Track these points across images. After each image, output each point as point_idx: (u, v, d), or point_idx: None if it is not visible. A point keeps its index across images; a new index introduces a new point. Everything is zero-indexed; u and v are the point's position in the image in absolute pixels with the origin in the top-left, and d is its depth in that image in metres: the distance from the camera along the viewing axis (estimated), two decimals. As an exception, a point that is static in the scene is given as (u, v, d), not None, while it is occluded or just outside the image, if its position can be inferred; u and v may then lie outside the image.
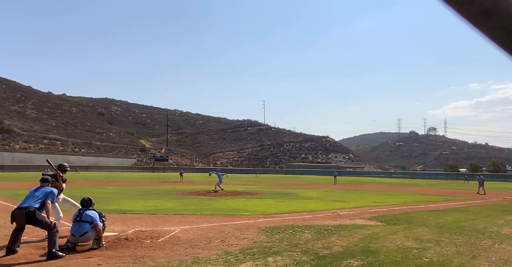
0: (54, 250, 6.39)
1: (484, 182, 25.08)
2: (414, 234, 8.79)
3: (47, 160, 8.82)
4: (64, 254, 6.46)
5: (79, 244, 7.08)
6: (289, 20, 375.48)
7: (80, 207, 7.55)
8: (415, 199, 19.31)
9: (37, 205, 6.91)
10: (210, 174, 30.71)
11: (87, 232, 7.06)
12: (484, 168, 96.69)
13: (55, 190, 7.28)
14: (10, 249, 6.51)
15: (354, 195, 21.77)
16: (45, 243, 7.18)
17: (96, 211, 7.50)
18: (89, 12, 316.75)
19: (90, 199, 7.59)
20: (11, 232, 6.73)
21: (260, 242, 7.54)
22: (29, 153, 70.18)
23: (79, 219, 7.19)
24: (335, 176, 38.02)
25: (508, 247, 7.66)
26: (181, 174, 40.03)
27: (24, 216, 6.70)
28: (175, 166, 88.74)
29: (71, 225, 7.28)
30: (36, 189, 7.15)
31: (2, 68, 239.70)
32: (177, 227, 9.13)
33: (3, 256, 6.32)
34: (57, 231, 6.67)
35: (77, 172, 52.94)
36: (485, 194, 23.34)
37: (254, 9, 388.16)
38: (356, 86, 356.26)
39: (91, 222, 7.14)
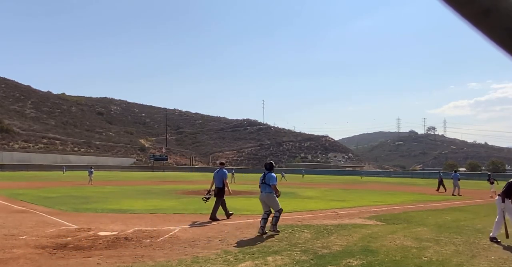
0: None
1: (443, 180, 25.80)
2: (414, 233, 8.79)
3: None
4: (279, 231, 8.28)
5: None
6: (288, 20, 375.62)
7: None
8: (414, 199, 19.31)
9: (220, 186, 10.18)
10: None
11: (271, 192, 8.38)
12: (483, 168, 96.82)
13: (226, 172, 10.41)
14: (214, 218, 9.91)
15: (354, 194, 21.76)
16: (44, 242, 7.18)
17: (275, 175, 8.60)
18: (89, 12, 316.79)
19: (271, 163, 8.79)
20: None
21: (260, 242, 7.55)
22: (28, 153, 70.10)
23: (264, 181, 8.48)
24: (282, 175, 44.44)
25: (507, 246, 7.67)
26: (233, 174, 35.09)
27: (217, 192, 10.16)
28: (175, 165, 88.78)
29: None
30: (217, 172, 10.34)
31: (1, 68, 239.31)
32: (177, 226, 9.14)
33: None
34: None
35: (64, 172, 51.96)
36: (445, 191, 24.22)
37: (254, 9, 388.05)
38: (355, 86, 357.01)
39: (269, 184, 8.38)
